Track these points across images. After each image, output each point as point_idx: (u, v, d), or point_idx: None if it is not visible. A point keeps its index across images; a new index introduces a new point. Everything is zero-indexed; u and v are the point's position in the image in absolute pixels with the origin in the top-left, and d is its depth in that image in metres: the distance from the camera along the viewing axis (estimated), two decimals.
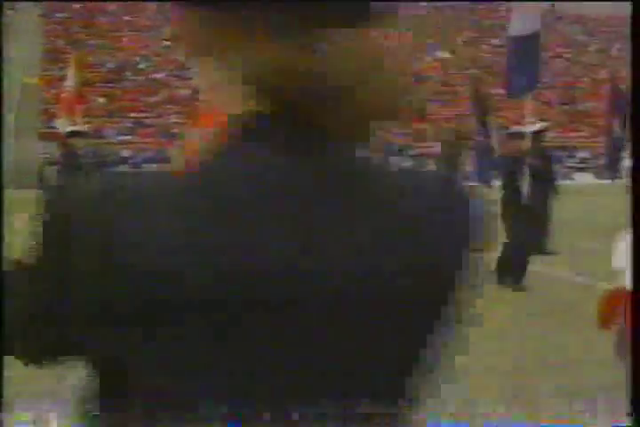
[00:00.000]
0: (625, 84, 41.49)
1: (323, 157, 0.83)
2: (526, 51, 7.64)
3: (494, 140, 11.02)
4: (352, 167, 0.85)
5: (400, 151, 11.90)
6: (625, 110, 11.24)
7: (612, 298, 3.91)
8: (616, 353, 3.89)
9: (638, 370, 1.88)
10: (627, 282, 3.85)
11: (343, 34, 0.79)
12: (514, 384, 4.67)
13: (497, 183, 12.42)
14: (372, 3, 0.83)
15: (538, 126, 8.46)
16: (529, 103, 7.87)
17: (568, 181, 25.28)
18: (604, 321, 3.89)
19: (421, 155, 18.68)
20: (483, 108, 11.50)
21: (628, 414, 2.00)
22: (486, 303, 6.39)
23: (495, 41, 48.68)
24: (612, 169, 12.34)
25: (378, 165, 0.89)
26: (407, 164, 13.31)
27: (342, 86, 0.78)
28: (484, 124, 11.12)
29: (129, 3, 45.26)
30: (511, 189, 7.80)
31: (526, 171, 7.68)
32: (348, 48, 0.79)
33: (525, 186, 7.67)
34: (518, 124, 12.87)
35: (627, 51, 46.93)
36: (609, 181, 21.80)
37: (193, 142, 0.87)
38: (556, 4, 53.11)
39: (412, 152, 12.01)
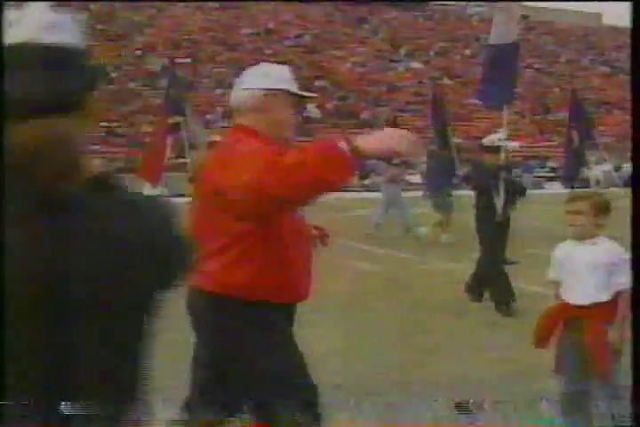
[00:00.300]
0: (595, 94, 41.51)
1: (45, 193, 1.18)
2: (504, 59, 7.54)
3: (454, 152, 11.02)
4: (68, 199, 1.21)
5: (386, 160, 12.15)
6: (584, 121, 11.36)
7: (549, 317, 3.87)
8: (555, 368, 3.86)
9: (638, 370, 1.89)
10: (562, 293, 3.84)
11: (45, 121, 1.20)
12: (463, 394, 4.67)
13: (451, 193, 12.55)
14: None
15: (502, 136, 8.21)
16: (504, 114, 7.75)
17: (539, 191, 25.45)
18: (539, 340, 3.86)
19: (404, 163, 18.90)
20: (442, 118, 11.53)
21: (630, 415, 2.01)
22: (446, 315, 6.38)
23: (467, 51, 49.03)
24: (570, 179, 12.45)
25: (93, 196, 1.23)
26: (393, 171, 13.43)
27: (37, 154, 1.18)
28: (442, 135, 11.13)
29: (101, 11, 45.16)
30: (488, 205, 7.58)
31: (501, 185, 7.50)
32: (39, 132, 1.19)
33: (500, 201, 7.51)
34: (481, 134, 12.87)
35: (597, 61, 47.16)
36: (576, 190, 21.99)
37: None
38: (528, 13, 53.50)
39: (395, 161, 12.32)
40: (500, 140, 7.77)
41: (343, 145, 2.50)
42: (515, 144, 34.01)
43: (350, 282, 8.43)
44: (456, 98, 41.25)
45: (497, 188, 7.48)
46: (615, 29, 61.07)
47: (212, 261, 2.83)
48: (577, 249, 3.81)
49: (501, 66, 7.49)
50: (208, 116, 33.58)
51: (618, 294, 3.74)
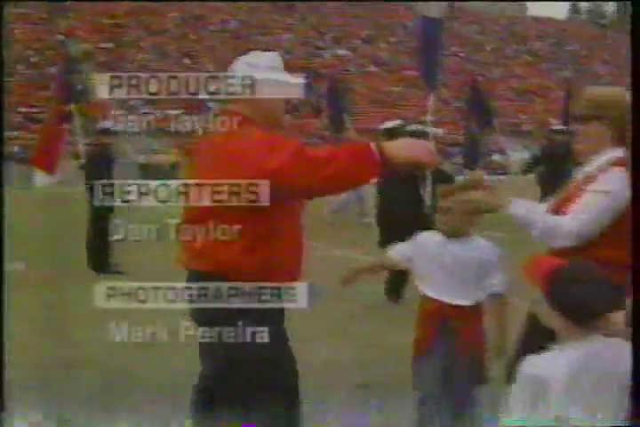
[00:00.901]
0: (517, 83, 41.86)
1: None
2: (435, 32, 7.47)
3: (352, 137, 11.07)
4: None
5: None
6: (484, 109, 11.58)
7: (427, 320, 3.61)
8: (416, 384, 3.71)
9: (638, 370, 1.95)
10: (423, 288, 3.60)
11: None
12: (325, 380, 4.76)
13: None
14: None
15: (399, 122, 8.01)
16: (430, 99, 7.61)
17: (458, 177, 25.80)
18: (421, 348, 3.60)
19: None
20: (338, 104, 11.57)
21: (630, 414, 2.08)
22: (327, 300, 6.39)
23: (393, 39, 49.30)
24: (469, 167, 12.74)
25: None
26: None
27: None
28: (339, 121, 11.18)
29: None
30: (413, 197, 7.08)
31: (428, 174, 7.00)
32: None
33: (427, 192, 7.06)
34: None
35: (520, 50, 47.67)
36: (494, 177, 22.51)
37: None
38: (453, 2, 53.99)
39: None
40: (399, 124, 7.49)
41: (374, 148, 2.62)
42: (439, 131, 34.49)
43: None
44: (381, 85, 41.54)
45: (423, 177, 6.87)
46: (538, 20, 62.11)
47: (211, 242, 2.81)
48: (447, 244, 3.54)
49: (433, 37, 7.42)
50: (131, 103, 33.11)
51: (492, 297, 3.52)
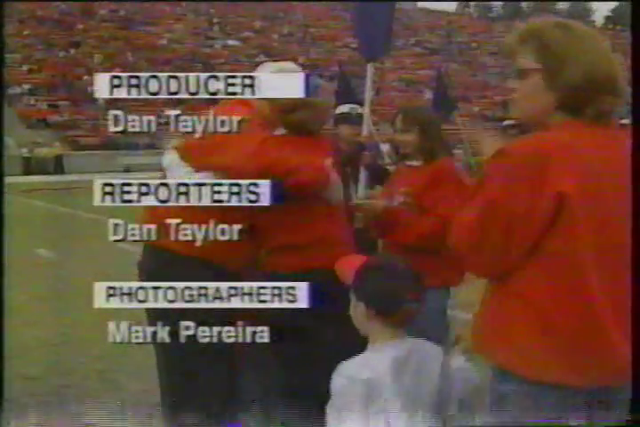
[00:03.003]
0: (406, 74, 42.46)
1: None
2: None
3: None
4: None
5: None
6: (445, 99, 12.35)
7: None
8: None
9: (638, 370, 1.93)
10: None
11: None
12: None
13: None
14: None
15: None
16: (368, 72, 6.69)
17: None
18: None
19: None
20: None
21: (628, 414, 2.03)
22: None
23: (285, 30, 49.43)
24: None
25: None
26: None
27: None
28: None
29: None
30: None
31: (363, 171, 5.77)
32: None
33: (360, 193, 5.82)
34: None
35: (409, 42, 47.84)
36: None
37: None
38: None
39: None
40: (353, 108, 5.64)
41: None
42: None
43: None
44: None
45: (355, 174, 5.27)
46: (430, 12, 63.24)
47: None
48: None
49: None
50: (11, 91, 32.28)
51: None
